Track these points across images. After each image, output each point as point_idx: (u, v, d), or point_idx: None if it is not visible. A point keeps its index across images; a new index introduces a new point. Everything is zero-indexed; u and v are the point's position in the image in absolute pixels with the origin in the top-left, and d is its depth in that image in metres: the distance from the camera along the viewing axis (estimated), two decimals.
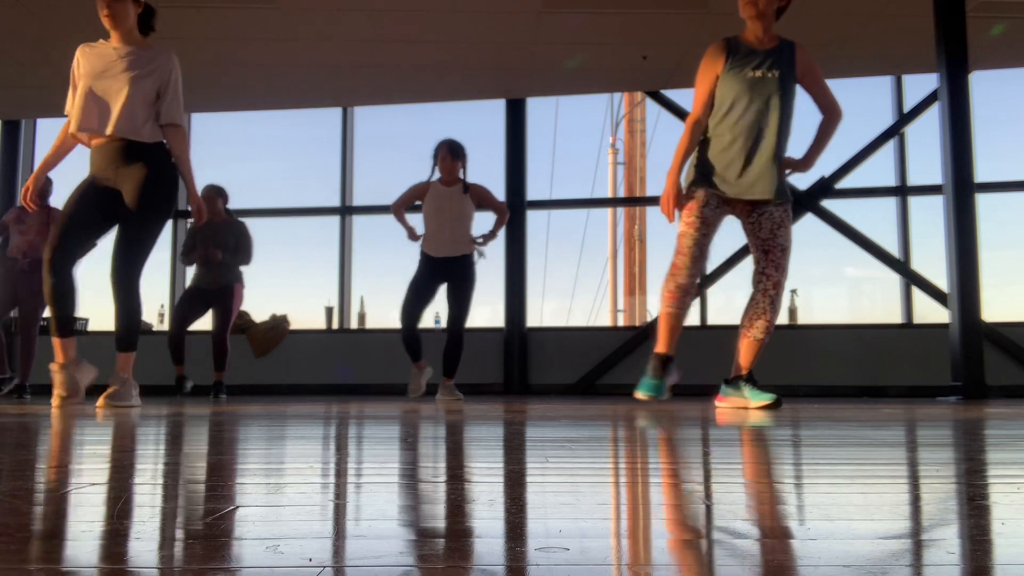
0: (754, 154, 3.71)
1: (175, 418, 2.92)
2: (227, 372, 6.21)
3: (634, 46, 6.78)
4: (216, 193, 6.20)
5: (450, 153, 5.51)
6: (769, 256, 3.76)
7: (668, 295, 3.79)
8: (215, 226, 6.12)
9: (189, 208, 4.23)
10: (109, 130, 3.83)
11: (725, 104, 3.74)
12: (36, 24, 6.32)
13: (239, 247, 6.15)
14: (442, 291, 5.58)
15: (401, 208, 5.61)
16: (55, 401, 3.73)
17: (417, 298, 5.51)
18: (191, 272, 6.34)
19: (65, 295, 3.77)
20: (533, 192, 7.89)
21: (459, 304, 5.51)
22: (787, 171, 3.85)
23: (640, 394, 3.81)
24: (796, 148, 3.92)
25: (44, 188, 6.13)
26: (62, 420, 2.74)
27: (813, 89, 3.88)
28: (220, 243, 6.08)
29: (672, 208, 3.77)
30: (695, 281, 3.80)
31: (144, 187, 3.83)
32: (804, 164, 3.91)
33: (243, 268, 6.26)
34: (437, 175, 5.57)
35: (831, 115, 3.90)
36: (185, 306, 6.15)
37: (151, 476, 1.23)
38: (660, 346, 3.84)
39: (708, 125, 3.80)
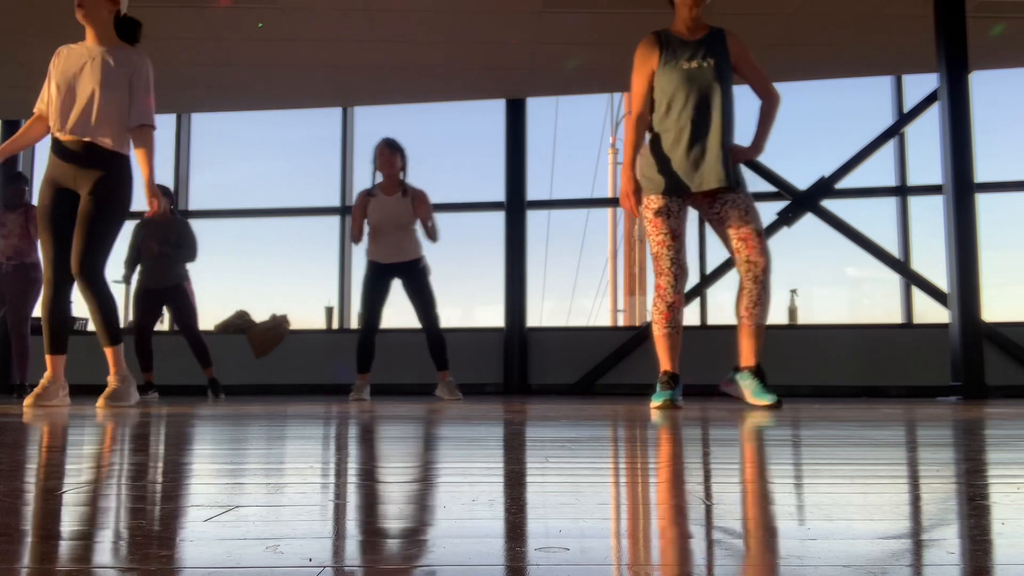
0: (702, 145, 3.72)
1: (175, 418, 2.92)
2: (214, 365, 6.18)
3: (634, 46, 6.76)
4: (162, 193, 6.21)
5: (387, 147, 5.54)
6: (748, 243, 3.72)
7: (660, 318, 3.79)
8: (159, 224, 6.13)
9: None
10: (73, 129, 3.86)
11: (666, 99, 3.77)
12: (38, 24, 6.32)
13: (181, 243, 6.14)
14: (399, 290, 5.61)
15: (360, 231, 5.56)
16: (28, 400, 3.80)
17: (373, 298, 5.56)
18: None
19: (67, 319, 3.99)
20: (533, 192, 7.90)
21: (423, 299, 5.55)
22: (739, 159, 3.85)
23: (656, 403, 3.75)
24: (740, 138, 3.94)
25: (20, 188, 6.23)
26: (59, 420, 2.74)
27: (748, 74, 3.88)
28: (163, 241, 6.09)
29: (633, 203, 3.77)
30: (683, 295, 3.81)
31: (103, 185, 3.87)
32: (754, 150, 3.91)
33: (190, 266, 6.27)
34: (378, 179, 5.60)
35: (770, 98, 3.90)
36: (140, 310, 6.11)
37: (151, 475, 1.23)
38: (664, 365, 3.82)
39: (652, 121, 3.82)
